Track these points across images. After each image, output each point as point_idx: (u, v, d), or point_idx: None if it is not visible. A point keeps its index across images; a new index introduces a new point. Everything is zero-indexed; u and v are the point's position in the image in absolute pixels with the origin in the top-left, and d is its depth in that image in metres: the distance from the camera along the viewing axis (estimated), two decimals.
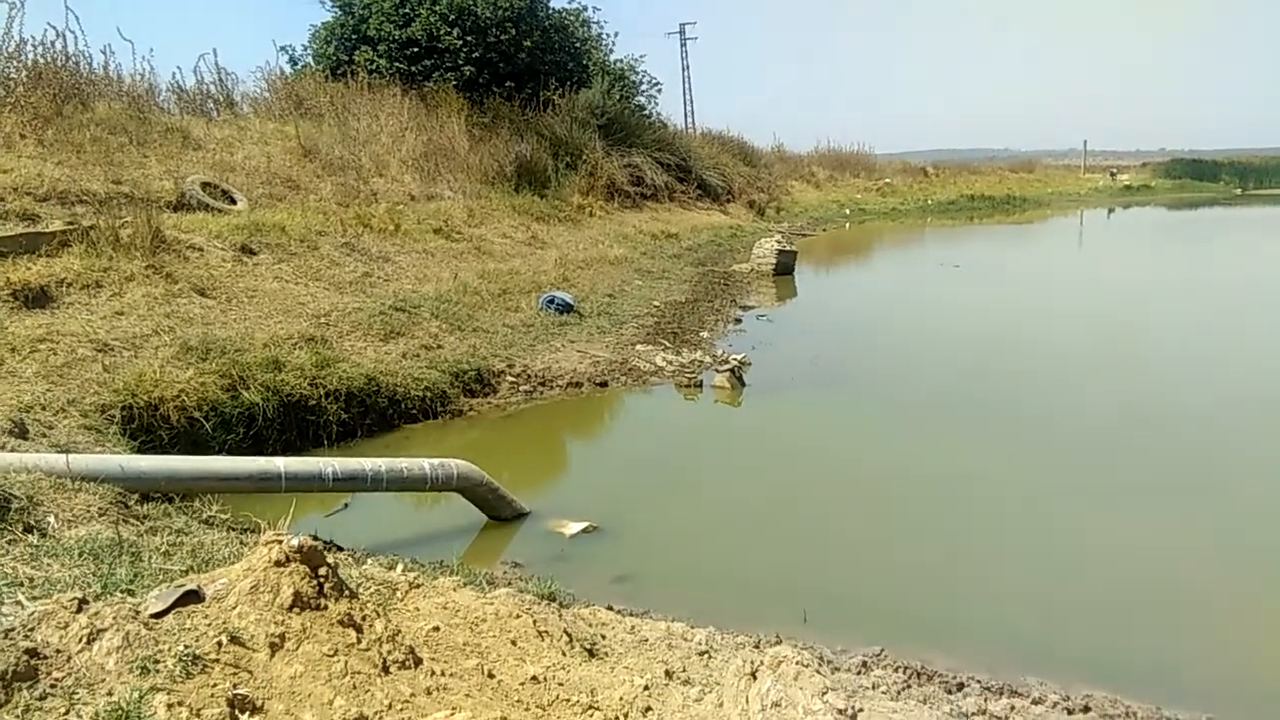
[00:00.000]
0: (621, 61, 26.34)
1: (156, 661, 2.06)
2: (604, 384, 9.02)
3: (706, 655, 3.38)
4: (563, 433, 8.14)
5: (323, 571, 2.36)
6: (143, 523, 4.00)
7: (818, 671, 2.31)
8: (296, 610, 2.23)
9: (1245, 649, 4.39)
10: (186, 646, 2.07)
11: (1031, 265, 21.99)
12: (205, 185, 11.53)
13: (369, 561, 4.09)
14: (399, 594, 2.89)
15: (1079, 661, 4.18)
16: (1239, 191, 56.67)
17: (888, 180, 42.53)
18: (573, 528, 5.60)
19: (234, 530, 4.49)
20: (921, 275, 19.65)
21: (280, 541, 2.34)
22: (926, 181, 44.89)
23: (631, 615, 3.96)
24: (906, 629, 4.43)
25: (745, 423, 8.48)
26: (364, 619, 2.35)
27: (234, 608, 2.21)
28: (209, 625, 2.18)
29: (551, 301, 11.28)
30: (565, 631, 2.96)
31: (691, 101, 47.42)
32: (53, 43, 12.66)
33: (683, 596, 4.70)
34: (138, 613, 2.16)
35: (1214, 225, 35.46)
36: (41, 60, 12.40)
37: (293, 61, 22.13)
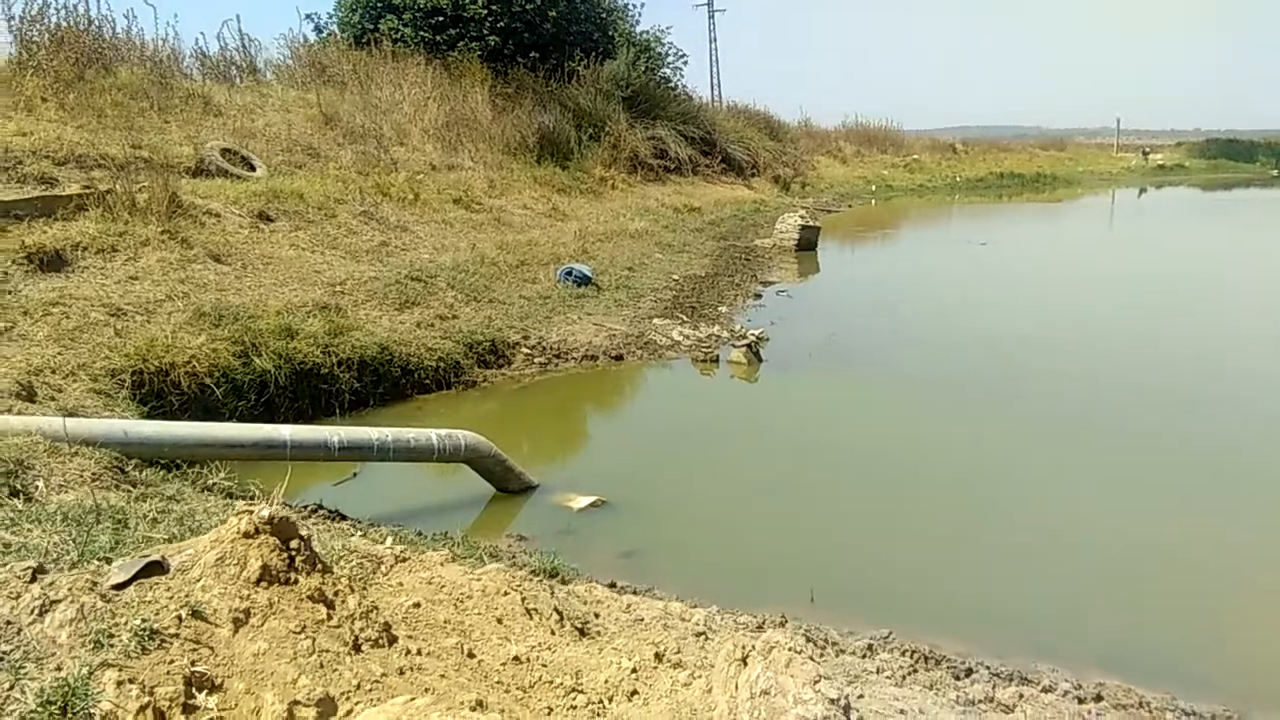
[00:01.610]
0: (648, 33, 25.97)
1: (111, 636, 1.97)
2: (619, 357, 8.91)
3: (703, 637, 3.28)
4: (576, 406, 8.06)
5: (294, 544, 2.27)
6: (135, 489, 3.95)
7: (810, 658, 2.21)
8: (264, 584, 2.15)
9: (1264, 639, 4.24)
10: (144, 620, 1.99)
11: (1059, 245, 21.57)
12: (225, 151, 11.49)
13: (356, 534, 4.03)
14: (383, 568, 2.80)
15: (1094, 649, 4.06)
16: (1275, 173, 55.23)
17: (916, 156, 41.80)
18: (581, 501, 5.53)
19: (232, 498, 4.43)
20: (946, 253, 19.31)
21: (250, 512, 2.25)
22: (955, 158, 44.07)
23: (630, 593, 3.86)
24: (917, 611, 4.33)
25: (760, 399, 8.35)
26: (336, 594, 2.26)
27: (198, 580, 2.13)
28: (170, 598, 2.09)
29: (569, 274, 11.17)
30: (556, 609, 2.87)
31: (718, 74, 46.78)
32: (75, 6, 12.68)
33: (689, 573, 4.62)
34: (95, 584, 2.09)
35: (1248, 207, 34.64)
36: (64, 24, 12.40)
37: (317, 29, 22.03)
